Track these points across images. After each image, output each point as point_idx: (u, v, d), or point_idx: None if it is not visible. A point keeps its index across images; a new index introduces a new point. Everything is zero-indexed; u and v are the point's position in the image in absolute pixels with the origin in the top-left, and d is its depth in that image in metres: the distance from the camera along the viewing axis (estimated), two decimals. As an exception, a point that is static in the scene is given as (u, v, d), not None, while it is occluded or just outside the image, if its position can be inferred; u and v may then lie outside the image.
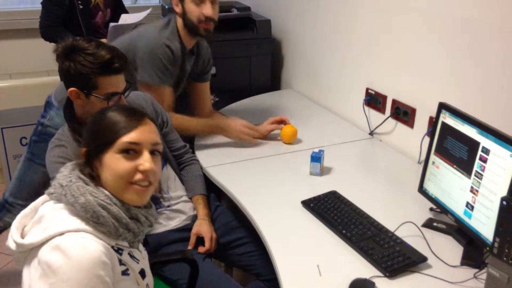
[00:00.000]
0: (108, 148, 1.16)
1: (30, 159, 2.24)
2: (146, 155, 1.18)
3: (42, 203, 1.18)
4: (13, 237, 1.11)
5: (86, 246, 1.05)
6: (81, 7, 2.62)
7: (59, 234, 1.05)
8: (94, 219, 1.10)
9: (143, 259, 1.26)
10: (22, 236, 1.11)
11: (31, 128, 2.92)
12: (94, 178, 1.17)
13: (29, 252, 1.09)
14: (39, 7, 2.73)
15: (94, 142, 1.19)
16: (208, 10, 2.02)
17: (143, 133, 1.19)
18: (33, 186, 2.22)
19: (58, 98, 2.16)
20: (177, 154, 1.97)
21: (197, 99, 2.36)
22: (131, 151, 1.17)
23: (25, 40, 3.20)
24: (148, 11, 2.78)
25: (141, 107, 1.84)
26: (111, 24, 2.62)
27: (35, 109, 2.97)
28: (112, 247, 1.13)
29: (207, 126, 2.17)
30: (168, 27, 2.10)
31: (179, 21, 2.10)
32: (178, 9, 2.07)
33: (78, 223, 1.09)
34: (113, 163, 1.16)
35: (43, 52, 2.97)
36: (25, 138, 2.97)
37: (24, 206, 1.19)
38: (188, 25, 2.07)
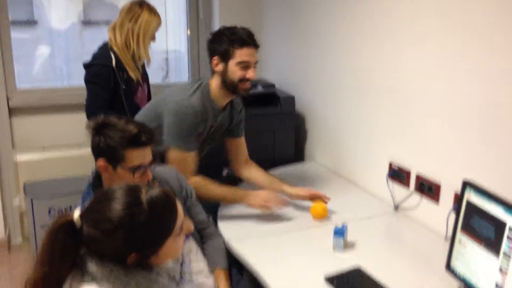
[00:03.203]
0: (169, 237, 1.18)
1: None
2: (185, 222, 1.27)
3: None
4: None
5: None
6: (124, 87, 2.64)
7: None
8: None
9: None
10: None
11: (59, 200, 3.01)
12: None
13: None
14: (74, 84, 2.79)
15: (151, 241, 1.16)
16: (252, 74, 2.12)
17: (180, 210, 1.23)
18: None
19: None
20: (200, 227, 1.97)
21: (232, 153, 2.42)
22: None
23: (58, 115, 3.32)
24: None
25: (166, 181, 1.88)
26: None
27: (65, 181, 3.06)
28: None
29: (231, 195, 2.19)
30: (198, 89, 2.17)
31: (215, 80, 2.17)
32: (218, 68, 2.13)
33: None
34: (176, 245, 1.21)
35: (75, 126, 3.11)
36: (53, 209, 3.03)
37: None
38: (227, 84, 2.14)
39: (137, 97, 2.77)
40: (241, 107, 2.40)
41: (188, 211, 1.93)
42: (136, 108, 2.63)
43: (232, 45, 2.09)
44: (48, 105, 3.29)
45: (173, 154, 2.13)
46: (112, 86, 2.60)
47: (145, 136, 1.66)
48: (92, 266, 1.12)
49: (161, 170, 1.92)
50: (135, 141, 1.63)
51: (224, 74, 2.13)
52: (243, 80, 2.12)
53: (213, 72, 2.18)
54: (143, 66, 2.85)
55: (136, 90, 2.75)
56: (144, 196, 1.14)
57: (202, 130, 2.18)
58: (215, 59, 2.14)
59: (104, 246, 1.11)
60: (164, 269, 1.22)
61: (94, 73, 2.61)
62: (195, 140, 2.16)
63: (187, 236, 1.88)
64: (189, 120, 2.11)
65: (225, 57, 2.11)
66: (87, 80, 2.64)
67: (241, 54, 2.09)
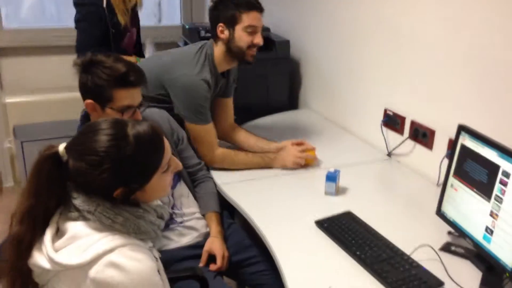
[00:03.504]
0: (156, 173, 1.16)
1: None
2: (173, 159, 1.23)
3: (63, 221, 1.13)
4: (50, 255, 1.06)
5: (139, 258, 1.08)
6: (113, 31, 2.56)
7: (108, 251, 1.06)
8: (135, 230, 1.13)
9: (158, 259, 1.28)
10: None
11: (50, 143, 2.98)
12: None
13: (62, 272, 1.06)
14: (64, 25, 2.69)
15: (138, 175, 1.14)
16: (259, 39, 2.06)
17: (167, 147, 1.21)
18: None
19: None
20: (192, 171, 1.96)
21: (219, 114, 2.33)
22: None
23: (48, 57, 3.25)
24: None
25: (157, 124, 1.85)
26: None
27: (56, 124, 3.02)
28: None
29: (261, 161, 2.12)
30: (206, 61, 2.09)
31: (219, 48, 2.09)
32: (223, 35, 2.06)
33: (123, 238, 1.10)
34: (162, 181, 1.19)
35: (64, 68, 3.03)
36: (44, 152, 3.01)
37: None
38: (234, 51, 2.07)
39: (124, 42, 2.69)
40: (237, 74, 2.33)
41: (180, 156, 1.92)
42: (122, 54, 2.56)
43: (238, 9, 2.02)
44: (37, 46, 3.21)
45: (195, 128, 2.07)
46: (103, 25, 2.52)
47: (134, 76, 1.60)
48: (78, 201, 1.10)
49: (151, 111, 1.88)
50: (124, 81, 1.58)
51: (230, 42, 2.06)
52: (250, 46, 2.06)
53: (216, 40, 2.10)
54: (135, 11, 2.75)
55: (123, 36, 2.66)
56: (130, 130, 1.12)
57: (209, 101, 2.14)
58: (220, 26, 2.05)
59: (90, 179, 1.09)
60: (152, 207, 1.21)
61: (86, 11, 2.53)
62: (208, 109, 2.11)
63: (178, 180, 1.88)
64: (203, 95, 2.05)
65: (231, 23, 2.03)
66: (78, 19, 2.55)
67: (248, 18, 2.02)
